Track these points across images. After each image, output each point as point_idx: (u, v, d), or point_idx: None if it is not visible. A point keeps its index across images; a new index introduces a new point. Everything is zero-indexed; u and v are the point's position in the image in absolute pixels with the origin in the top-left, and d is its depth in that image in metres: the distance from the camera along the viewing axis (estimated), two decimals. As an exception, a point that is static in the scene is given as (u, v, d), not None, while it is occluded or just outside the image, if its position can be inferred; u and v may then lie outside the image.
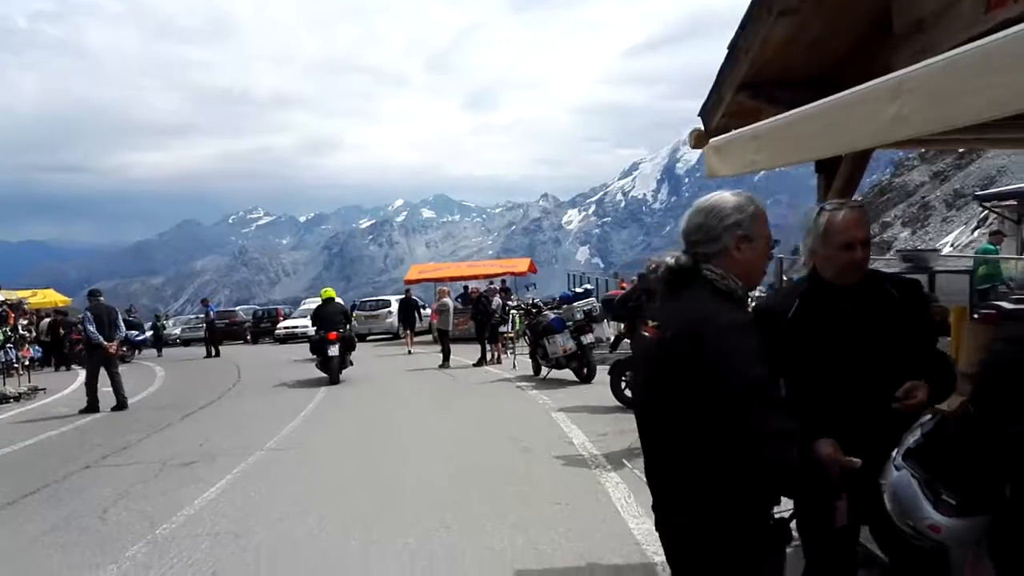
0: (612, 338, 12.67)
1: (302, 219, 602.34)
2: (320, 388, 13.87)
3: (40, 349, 22.26)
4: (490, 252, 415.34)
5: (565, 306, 13.14)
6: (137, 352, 26.47)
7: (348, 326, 15.54)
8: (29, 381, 15.83)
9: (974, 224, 58.76)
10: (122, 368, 22.23)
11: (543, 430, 8.73)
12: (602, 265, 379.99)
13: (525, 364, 15.71)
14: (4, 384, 15.37)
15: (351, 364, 15.40)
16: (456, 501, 5.89)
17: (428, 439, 8.59)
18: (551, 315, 13.59)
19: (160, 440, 9.36)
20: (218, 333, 25.63)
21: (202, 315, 27.28)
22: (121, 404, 12.19)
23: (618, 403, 9.97)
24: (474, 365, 16.89)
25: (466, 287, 23.95)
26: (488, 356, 17.20)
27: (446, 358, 17.36)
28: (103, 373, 12.29)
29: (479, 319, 17.20)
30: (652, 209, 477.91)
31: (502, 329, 18.04)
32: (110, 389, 12.32)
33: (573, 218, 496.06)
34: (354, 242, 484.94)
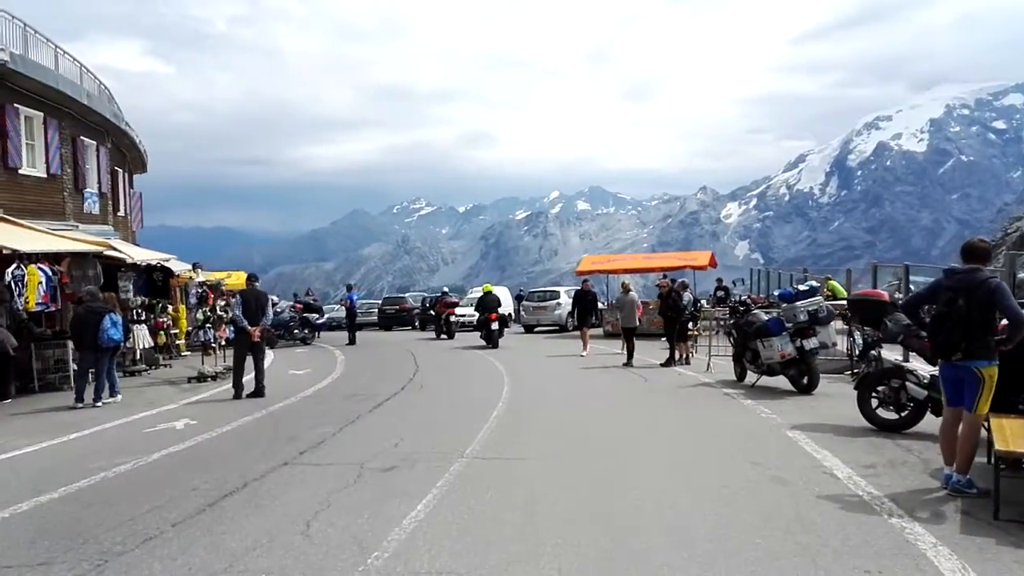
0: (858, 347, 10.84)
1: (461, 209, 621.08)
2: (504, 385, 13.06)
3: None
4: (645, 245, 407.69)
5: (785, 305, 11.42)
6: (317, 335, 27.21)
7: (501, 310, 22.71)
8: (225, 360, 16.25)
9: None
10: (303, 351, 23.24)
11: (787, 454, 7.25)
12: (762, 261, 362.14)
13: (721, 367, 14.17)
14: (203, 363, 15.84)
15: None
16: (723, 552, 4.63)
17: (651, 456, 7.37)
18: (763, 314, 11.93)
19: (354, 435, 8.78)
20: (356, 320, 25.89)
21: (347, 300, 26.89)
22: (258, 391, 11.99)
23: (868, 424, 8.28)
24: (662, 365, 15.51)
25: (665, 276, 22.51)
26: (677, 355, 15.76)
27: (630, 356, 16.10)
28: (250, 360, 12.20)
29: (669, 315, 15.79)
30: (819, 203, 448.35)
31: (691, 327, 16.53)
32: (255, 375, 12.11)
33: (732, 211, 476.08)
34: (510, 232, 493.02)
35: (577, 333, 21.23)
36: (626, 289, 17.20)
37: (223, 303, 18.24)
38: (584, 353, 18.11)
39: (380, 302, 36.22)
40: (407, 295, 37.95)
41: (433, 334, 27.22)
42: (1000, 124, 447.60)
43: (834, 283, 20.38)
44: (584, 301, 19.90)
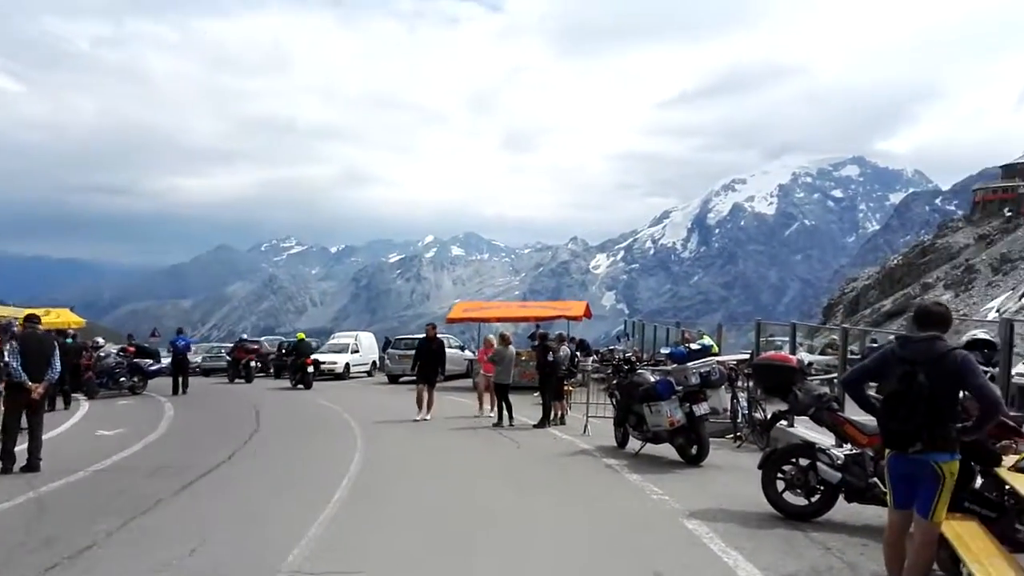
0: (742, 408, 9.88)
1: (333, 250, 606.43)
2: (356, 451, 11.17)
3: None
4: (517, 292, 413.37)
5: (675, 366, 10.32)
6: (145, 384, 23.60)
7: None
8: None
9: (1021, 291, 55.44)
10: (128, 402, 20.03)
11: (692, 558, 5.89)
12: (627, 311, 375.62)
13: (600, 429, 12.94)
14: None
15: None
16: None
17: (531, 563, 5.80)
18: (650, 375, 10.79)
19: (139, 535, 6.63)
20: (186, 367, 22.70)
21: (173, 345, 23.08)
22: (32, 465, 9.43)
23: (772, 510, 7.13)
24: (535, 426, 14.10)
25: (538, 327, 21.13)
26: (552, 415, 14.42)
27: (500, 416, 14.58)
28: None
29: (545, 370, 14.45)
30: (681, 258, 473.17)
31: (568, 383, 15.27)
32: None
33: (601, 263, 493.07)
34: (382, 275, 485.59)
35: (447, 386, 19.37)
36: (506, 341, 15.60)
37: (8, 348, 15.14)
38: (421, 417, 14.88)
39: (231, 346, 32.93)
40: (262, 339, 34.81)
41: (288, 383, 24.64)
42: (838, 193, 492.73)
43: (707, 336, 19.95)
44: (428, 352, 15.82)
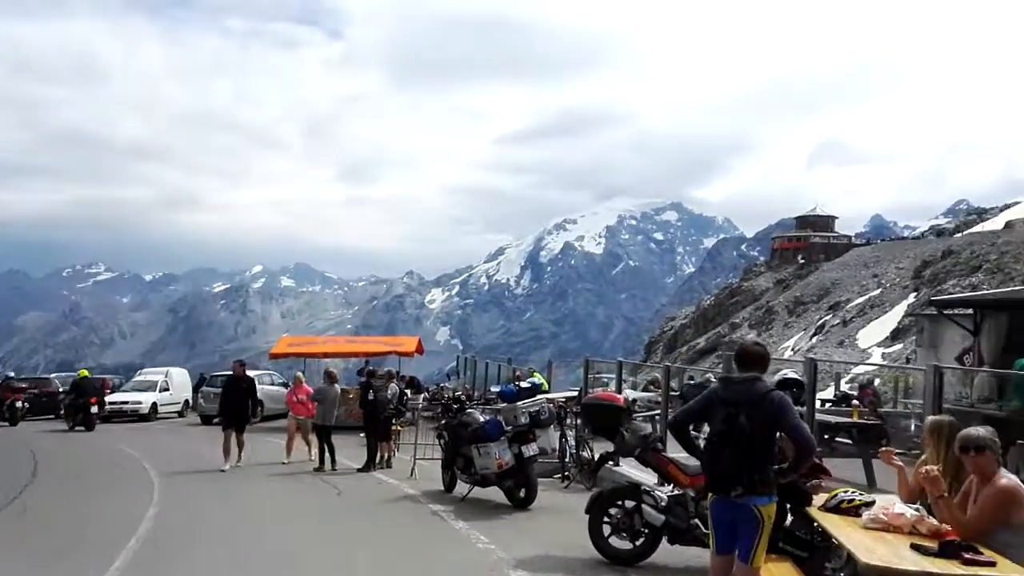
0: (570, 447, 9.74)
1: (148, 278, 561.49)
2: (151, 505, 9.89)
3: None
4: (349, 326, 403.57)
5: (505, 405, 10.07)
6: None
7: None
8: None
9: (812, 331, 61.95)
10: None
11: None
12: (461, 347, 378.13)
13: (427, 472, 12.42)
14: None
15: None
16: None
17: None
18: (480, 415, 10.47)
19: None
20: None
21: None
22: None
23: (601, 556, 6.98)
24: (359, 470, 13.33)
25: (368, 363, 20.13)
26: (378, 457, 13.71)
27: (322, 460, 13.64)
28: None
29: (369, 409, 13.73)
30: (514, 294, 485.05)
31: (395, 423, 14.61)
32: None
33: (436, 297, 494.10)
34: (204, 306, 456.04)
35: (266, 426, 18.02)
36: (332, 379, 14.66)
37: None
38: (230, 466, 13.26)
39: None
40: (53, 376, 30.95)
41: (81, 425, 21.91)
42: (659, 236, 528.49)
43: (537, 374, 20.11)
44: (235, 392, 13.94)
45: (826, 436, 9.28)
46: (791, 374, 6.44)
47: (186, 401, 27.84)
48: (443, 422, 11.29)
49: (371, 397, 13.76)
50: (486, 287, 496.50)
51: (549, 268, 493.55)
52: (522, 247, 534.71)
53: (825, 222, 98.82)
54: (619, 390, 12.34)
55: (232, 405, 13.83)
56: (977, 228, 69.45)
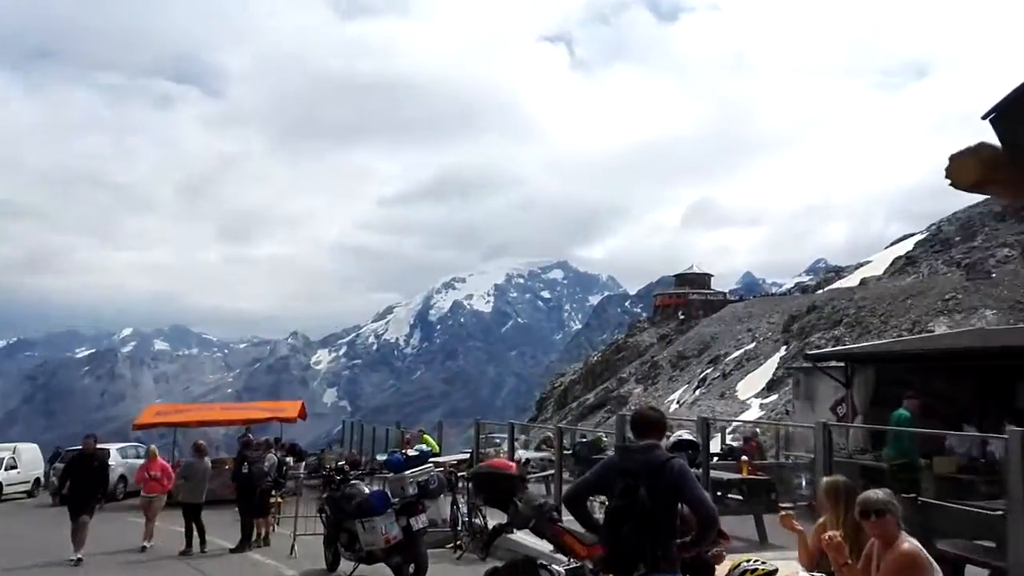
0: (462, 515, 9.21)
1: (1, 344, 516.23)
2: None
3: None
4: (229, 391, 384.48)
5: (392, 475, 9.48)
6: None
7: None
8: None
9: (695, 384, 64.47)
10: None
11: None
12: (349, 408, 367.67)
13: (309, 548, 11.52)
14: None
15: None
16: None
17: None
18: (364, 486, 9.82)
19: None
20: None
21: None
22: None
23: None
24: (233, 550, 12.23)
25: (248, 430, 18.72)
26: (254, 534, 12.65)
27: (190, 542, 12.42)
28: None
29: (243, 483, 12.70)
30: (404, 354, 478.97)
31: (274, 496, 13.58)
32: None
33: (323, 358, 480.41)
34: (67, 373, 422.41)
35: (129, 504, 16.32)
36: (201, 452, 13.49)
37: None
38: (78, 556, 11.50)
39: None
40: None
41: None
42: (547, 294, 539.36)
43: (428, 437, 19.50)
44: (84, 471, 12.02)
45: (718, 493, 9.26)
46: (686, 435, 6.34)
47: (38, 479, 25.19)
48: (325, 495, 10.52)
49: (246, 469, 12.76)
50: (375, 346, 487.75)
51: (439, 327, 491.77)
52: (411, 306, 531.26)
53: (702, 279, 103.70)
54: (511, 454, 11.99)
55: (80, 486, 12.04)
56: (836, 285, 74.83)
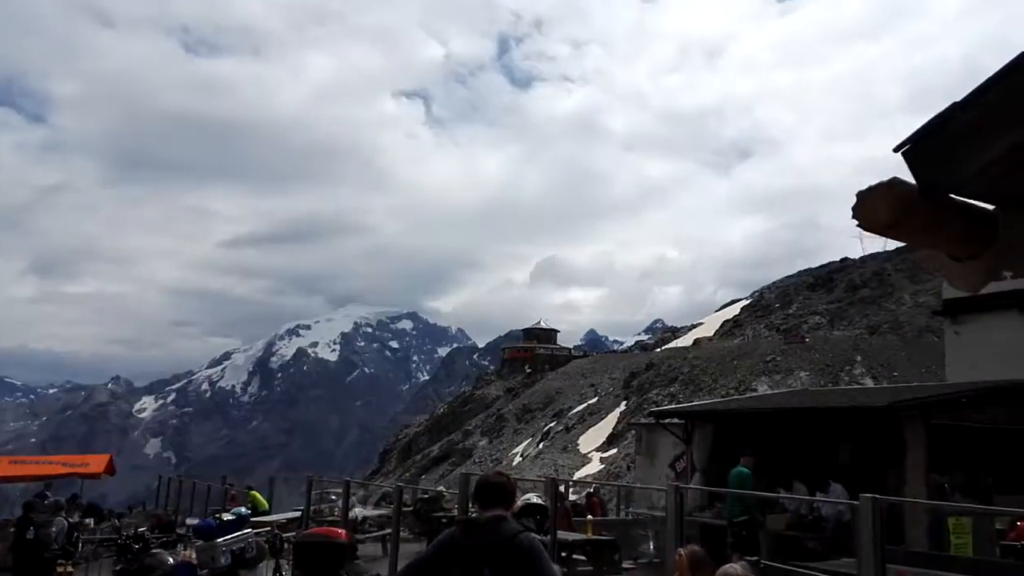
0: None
1: None
2: None
3: None
4: (33, 440, 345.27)
5: (201, 543, 8.31)
6: None
7: None
8: None
9: (539, 437, 65.48)
10: None
11: None
12: (175, 460, 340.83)
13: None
14: None
15: None
16: None
17: None
18: (168, 556, 8.56)
19: None
20: None
21: None
22: None
23: None
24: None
25: (48, 486, 16.15)
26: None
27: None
28: None
29: (21, 551, 10.85)
30: (240, 402, 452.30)
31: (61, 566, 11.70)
32: None
33: (148, 405, 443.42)
34: None
35: None
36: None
37: None
38: None
39: None
40: None
41: None
42: (395, 344, 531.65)
43: (256, 494, 17.93)
44: None
45: (563, 555, 8.89)
46: (534, 499, 5.92)
47: None
48: (119, 568, 9.10)
49: (31, 535, 10.93)
50: (208, 394, 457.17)
51: (280, 374, 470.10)
52: (251, 352, 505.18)
53: (548, 335, 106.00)
54: (345, 513, 11.06)
55: None
56: (672, 344, 79.00)
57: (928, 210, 1.67)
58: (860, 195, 1.69)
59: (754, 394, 37.74)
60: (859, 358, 47.76)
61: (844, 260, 75.89)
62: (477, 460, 64.70)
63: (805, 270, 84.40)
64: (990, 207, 1.76)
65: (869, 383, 42.03)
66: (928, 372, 39.49)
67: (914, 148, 1.67)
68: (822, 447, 11.27)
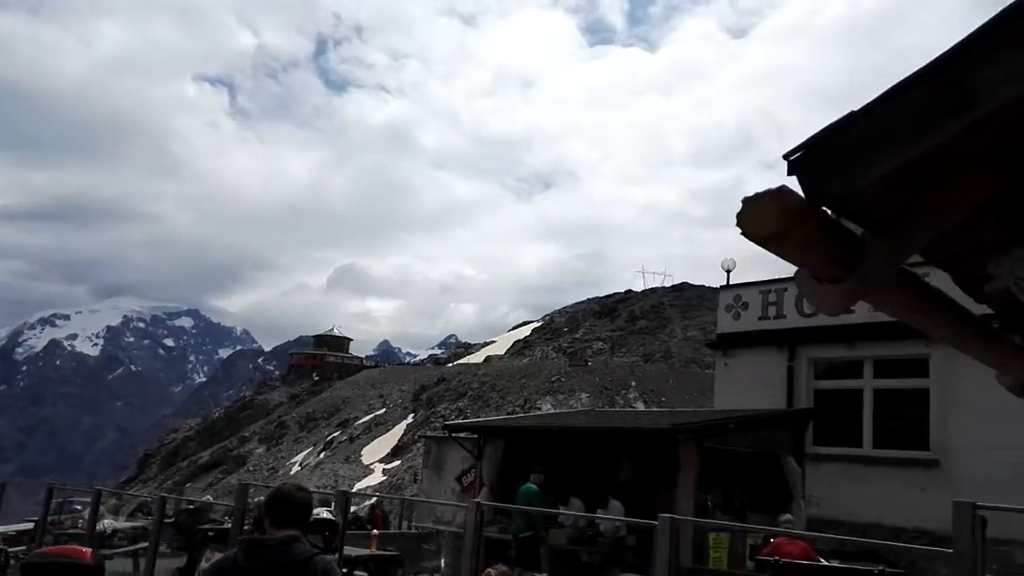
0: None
1: None
2: None
3: None
4: None
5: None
6: None
7: None
8: None
9: (321, 446, 63.71)
10: None
11: None
12: None
13: None
14: None
15: None
16: None
17: None
18: None
19: None
20: None
21: None
22: None
23: None
24: None
25: None
26: None
27: None
28: None
29: None
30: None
31: None
32: None
33: None
34: None
35: None
36: None
37: None
38: None
39: None
40: None
41: None
42: (170, 342, 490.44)
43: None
44: None
45: (344, 570, 8.42)
46: (324, 513, 5.46)
47: None
48: None
49: None
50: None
51: (25, 367, 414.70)
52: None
53: (340, 343, 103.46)
54: (93, 525, 9.73)
55: None
56: (464, 360, 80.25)
57: (813, 224, 1.61)
58: (746, 201, 1.59)
59: (539, 412, 39.19)
60: (634, 383, 51.40)
61: (628, 292, 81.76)
62: (251, 468, 61.36)
63: (593, 298, 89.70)
64: (859, 230, 1.74)
65: (641, 406, 45.30)
66: (691, 399, 43.44)
67: (805, 156, 1.60)
68: (604, 465, 11.75)
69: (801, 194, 1.59)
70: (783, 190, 1.57)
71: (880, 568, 6.45)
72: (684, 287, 76.53)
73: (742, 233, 1.62)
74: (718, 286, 16.09)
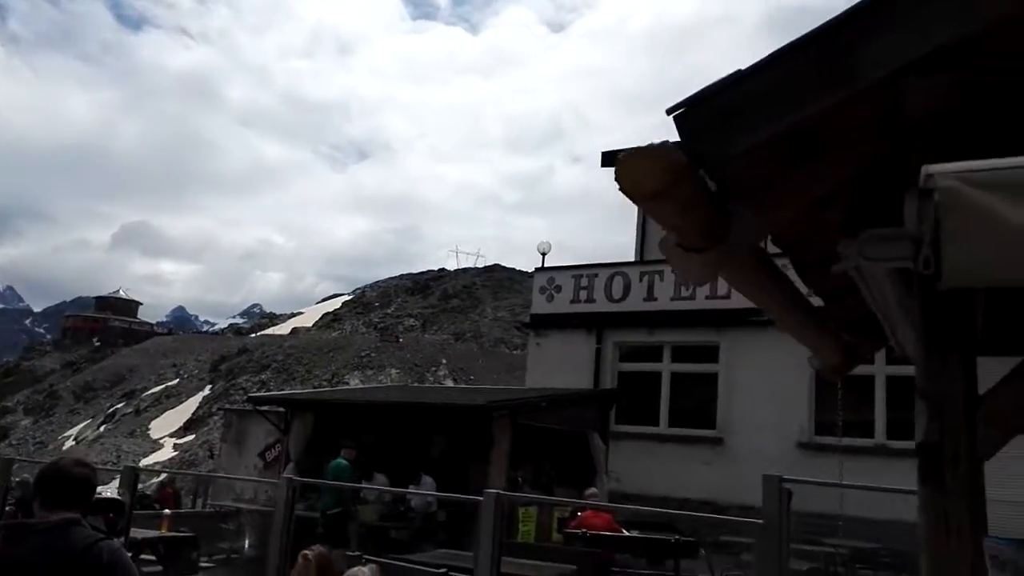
0: None
1: None
2: None
3: None
4: None
5: None
6: None
7: None
8: None
9: (101, 419, 58.49)
10: None
11: None
12: None
13: None
14: None
15: None
16: None
17: None
18: None
19: None
20: None
21: None
22: None
23: None
24: None
25: None
26: None
27: None
28: None
29: None
30: None
31: None
32: None
33: None
34: None
35: None
36: None
37: None
38: None
39: None
40: None
41: None
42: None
43: None
44: None
45: (130, 554, 7.68)
46: (109, 492, 4.86)
47: None
48: None
49: None
50: None
51: None
52: None
53: (128, 306, 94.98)
54: None
55: None
56: (269, 331, 76.66)
57: (691, 187, 1.57)
58: (625, 157, 1.52)
59: (347, 387, 38.36)
60: (444, 361, 51.86)
61: (441, 270, 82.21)
62: (14, 443, 54.92)
63: (406, 274, 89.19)
64: (728, 200, 1.75)
65: (451, 383, 45.82)
66: (499, 378, 44.61)
67: (687, 112, 1.56)
68: (417, 441, 11.70)
69: (683, 154, 1.55)
70: (667, 147, 1.51)
71: (676, 537, 6.96)
72: (496, 268, 78.27)
73: (620, 188, 1.54)
74: (531, 269, 16.53)
